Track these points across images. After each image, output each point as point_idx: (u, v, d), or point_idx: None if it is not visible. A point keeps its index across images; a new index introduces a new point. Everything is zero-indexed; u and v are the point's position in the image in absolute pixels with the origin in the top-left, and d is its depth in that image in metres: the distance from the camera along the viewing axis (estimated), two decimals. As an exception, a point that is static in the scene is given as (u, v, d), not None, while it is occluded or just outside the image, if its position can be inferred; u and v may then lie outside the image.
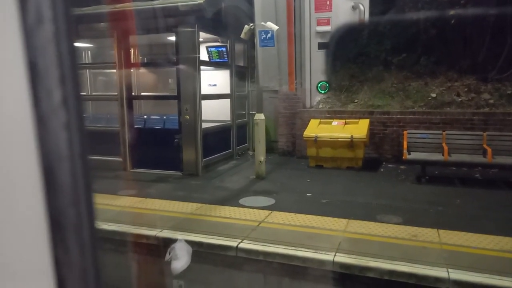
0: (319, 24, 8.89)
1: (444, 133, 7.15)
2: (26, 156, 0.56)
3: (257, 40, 7.01)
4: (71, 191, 0.58)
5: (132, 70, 8.71)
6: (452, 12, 8.40)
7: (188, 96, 7.32)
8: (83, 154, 0.60)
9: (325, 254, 3.93)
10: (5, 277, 0.58)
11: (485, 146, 6.69)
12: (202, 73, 7.58)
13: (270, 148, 9.03)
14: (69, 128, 0.58)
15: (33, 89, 0.55)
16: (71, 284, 0.60)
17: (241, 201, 5.76)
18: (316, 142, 7.74)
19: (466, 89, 8.39)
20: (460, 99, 8.24)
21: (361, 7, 8.62)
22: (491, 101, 8.04)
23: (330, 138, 7.71)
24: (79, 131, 0.59)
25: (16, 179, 0.56)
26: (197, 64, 7.27)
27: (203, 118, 7.57)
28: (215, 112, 8.81)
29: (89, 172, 0.61)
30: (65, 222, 0.59)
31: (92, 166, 0.62)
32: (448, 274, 3.49)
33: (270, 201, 5.76)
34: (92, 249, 0.62)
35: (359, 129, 7.73)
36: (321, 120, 8.33)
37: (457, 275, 3.48)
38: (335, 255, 3.89)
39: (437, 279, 3.49)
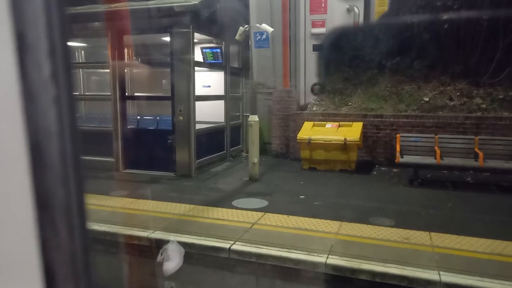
0: (314, 26, 8.93)
1: (436, 136, 7.20)
2: (13, 132, 0.53)
3: (252, 42, 7.01)
4: (60, 169, 0.56)
5: (125, 70, 8.67)
6: (445, 16, 8.47)
7: (182, 97, 7.30)
8: (73, 131, 0.57)
9: (317, 256, 3.94)
10: None
11: (476, 150, 6.74)
12: (196, 74, 7.56)
13: (264, 150, 9.03)
14: (59, 103, 0.55)
15: (21, 61, 0.52)
16: (59, 267, 0.58)
17: (234, 202, 5.75)
18: (310, 144, 7.75)
19: (458, 93, 8.46)
20: (452, 103, 8.31)
21: (356, 9, 8.68)
22: (483, 105, 8.11)
23: (324, 141, 7.73)
24: (69, 107, 0.56)
25: (2, 156, 0.54)
26: (191, 65, 7.25)
27: (196, 119, 7.55)
28: (209, 114, 8.79)
29: (79, 150, 0.58)
30: (54, 202, 0.56)
31: (82, 143, 0.59)
32: (440, 276, 3.51)
33: (263, 203, 5.75)
34: (81, 231, 0.59)
35: (353, 132, 7.76)
36: (315, 122, 8.34)
37: (448, 277, 3.50)
38: (327, 257, 3.89)
39: (429, 282, 3.51)
